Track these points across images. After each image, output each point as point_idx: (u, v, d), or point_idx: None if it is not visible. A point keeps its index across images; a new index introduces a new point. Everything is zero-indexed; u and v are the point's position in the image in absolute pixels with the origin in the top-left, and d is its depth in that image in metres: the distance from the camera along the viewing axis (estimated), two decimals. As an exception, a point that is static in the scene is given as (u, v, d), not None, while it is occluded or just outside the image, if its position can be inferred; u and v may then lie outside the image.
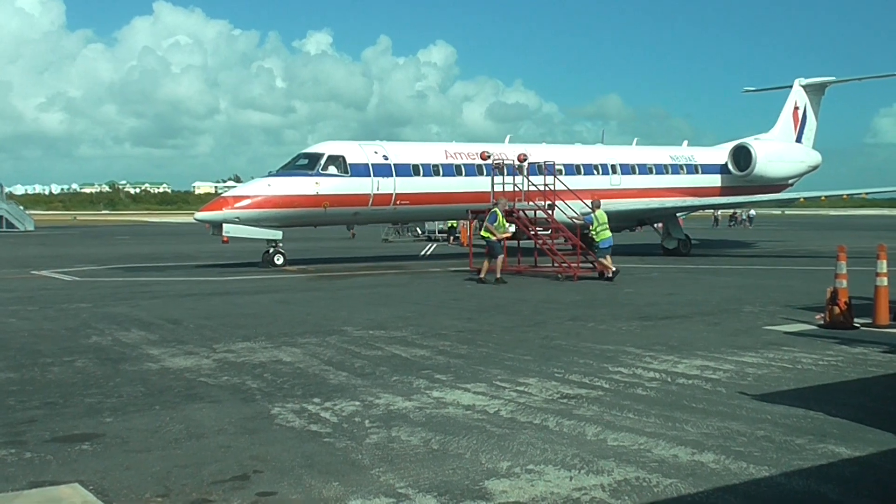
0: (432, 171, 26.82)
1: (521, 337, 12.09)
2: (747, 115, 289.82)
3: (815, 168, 37.26)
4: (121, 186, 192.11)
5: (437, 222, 42.49)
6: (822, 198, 42.66)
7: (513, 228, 22.73)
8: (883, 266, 12.85)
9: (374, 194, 25.37)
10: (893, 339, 11.54)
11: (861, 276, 15.25)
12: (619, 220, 31.91)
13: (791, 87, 37.75)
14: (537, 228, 24.16)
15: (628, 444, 6.63)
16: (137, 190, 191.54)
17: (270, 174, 25.37)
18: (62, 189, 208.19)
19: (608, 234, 21.22)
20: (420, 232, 45.95)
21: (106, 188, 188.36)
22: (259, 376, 9.37)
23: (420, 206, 26.73)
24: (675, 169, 33.59)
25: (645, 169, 32.59)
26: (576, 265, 21.66)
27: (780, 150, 35.57)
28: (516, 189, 24.42)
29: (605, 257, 21.00)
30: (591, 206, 22.05)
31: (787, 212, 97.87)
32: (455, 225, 41.72)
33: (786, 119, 37.25)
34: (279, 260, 24.85)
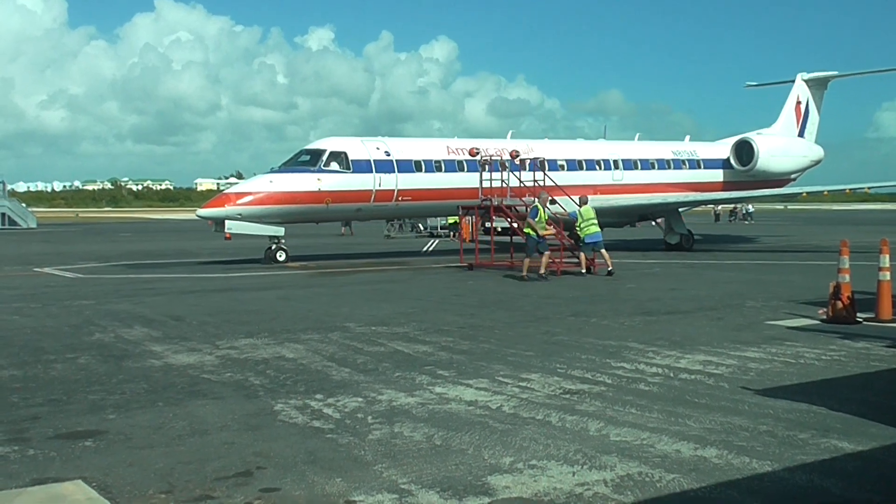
0: (434, 167, 26.81)
1: (523, 332, 12.09)
2: (749, 109, 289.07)
3: (817, 163, 37.19)
4: (123, 183, 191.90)
5: (439, 218, 42.49)
6: (825, 192, 42.56)
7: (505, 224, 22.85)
8: (885, 261, 12.82)
9: (377, 190, 25.37)
10: (896, 333, 11.53)
11: (864, 270, 15.23)
12: (621, 216, 31.94)
13: (793, 81, 37.65)
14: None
15: (631, 439, 6.64)
16: (140, 187, 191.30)
17: (273, 170, 25.36)
18: (64, 186, 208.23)
19: (594, 229, 21.13)
20: (422, 228, 45.96)
21: (108, 185, 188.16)
22: (262, 373, 9.39)
23: (422, 201, 26.74)
24: (678, 164, 33.55)
25: (647, 164, 32.55)
26: (559, 260, 21.75)
27: (783, 145, 35.51)
28: (504, 185, 24.53)
29: (591, 252, 21.00)
30: (577, 202, 22.03)
31: (789, 206, 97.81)
32: (457, 221, 41.67)
33: (788, 114, 37.17)
34: (281, 256, 24.84)
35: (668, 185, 32.58)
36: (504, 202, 23.86)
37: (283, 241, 25.07)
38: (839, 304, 12.43)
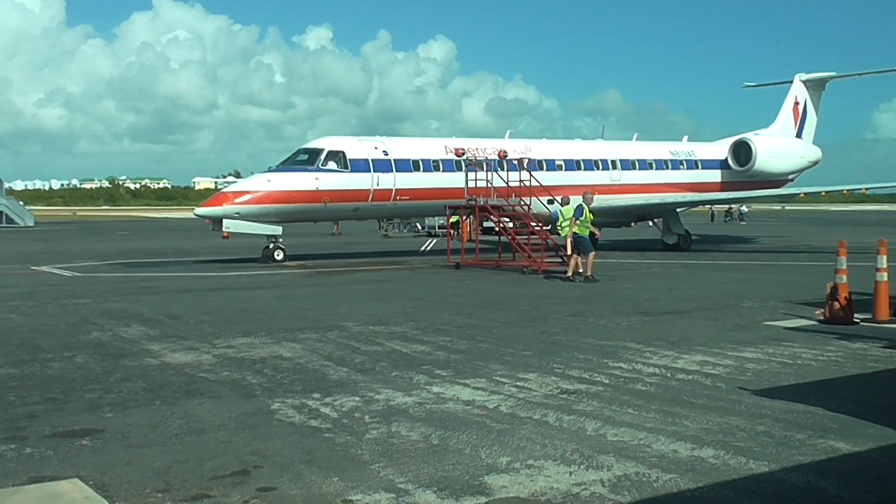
0: (432, 166, 26.81)
1: (520, 332, 12.09)
2: (747, 110, 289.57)
3: (815, 163, 37.23)
4: (120, 182, 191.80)
5: (436, 217, 42.52)
6: (823, 193, 42.58)
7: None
8: (883, 261, 12.84)
9: (374, 190, 25.37)
10: (893, 334, 11.54)
11: (861, 271, 15.25)
12: (619, 216, 31.99)
13: (791, 82, 37.70)
14: (506, 223, 24.26)
15: (628, 439, 6.64)
16: (137, 185, 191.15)
17: (270, 169, 25.40)
18: (62, 185, 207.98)
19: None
20: (420, 227, 45.96)
21: (106, 184, 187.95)
22: (259, 372, 9.38)
23: (420, 201, 26.74)
24: (676, 164, 33.58)
25: (645, 164, 32.58)
26: (540, 259, 21.74)
27: (781, 146, 35.55)
28: (489, 185, 24.55)
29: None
30: (560, 201, 22.01)
31: (787, 207, 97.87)
32: (458, 220, 41.69)
33: (786, 114, 37.21)
34: (279, 255, 24.86)
35: (666, 186, 32.61)
36: (489, 202, 23.92)
37: (280, 240, 25.09)
38: (836, 305, 12.44)
